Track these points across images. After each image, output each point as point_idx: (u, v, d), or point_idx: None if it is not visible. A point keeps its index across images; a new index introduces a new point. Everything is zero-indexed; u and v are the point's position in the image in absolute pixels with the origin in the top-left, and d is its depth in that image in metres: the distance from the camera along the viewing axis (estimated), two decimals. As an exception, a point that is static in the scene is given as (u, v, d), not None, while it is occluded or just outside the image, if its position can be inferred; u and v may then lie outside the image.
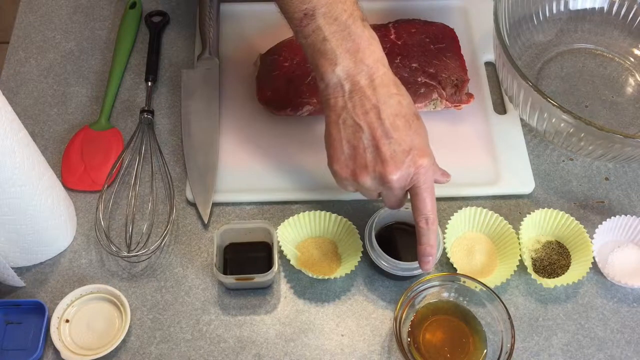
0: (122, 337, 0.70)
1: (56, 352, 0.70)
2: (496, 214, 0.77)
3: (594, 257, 0.76)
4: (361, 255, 0.74)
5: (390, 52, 0.85)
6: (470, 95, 0.84)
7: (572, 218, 0.77)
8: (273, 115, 0.85)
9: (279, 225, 0.75)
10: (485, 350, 0.69)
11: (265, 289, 0.75)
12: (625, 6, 0.91)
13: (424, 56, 0.85)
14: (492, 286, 0.70)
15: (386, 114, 0.67)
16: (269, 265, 0.72)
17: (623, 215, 0.78)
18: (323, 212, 0.76)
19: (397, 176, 0.67)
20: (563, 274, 0.76)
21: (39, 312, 0.71)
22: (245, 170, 0.82)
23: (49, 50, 0.92)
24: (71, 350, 0.69)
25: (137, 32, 0.93)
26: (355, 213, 0.80)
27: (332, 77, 0.68)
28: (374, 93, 0.67)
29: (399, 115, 0.67)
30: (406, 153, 0.67)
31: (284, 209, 0.80)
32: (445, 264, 0.77)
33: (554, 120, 0.76)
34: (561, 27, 0.93)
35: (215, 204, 0.79)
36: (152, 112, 0.85)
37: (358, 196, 0.80)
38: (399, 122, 0.67)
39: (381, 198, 0.72)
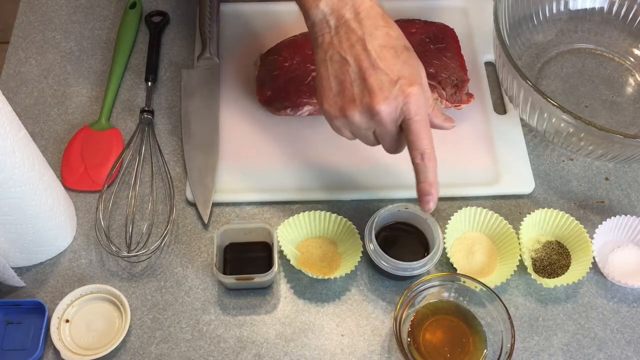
0: (122, 337, 0.70)
1: (56, 352, 0.70)
2: (496, 214, 0.77)
3: (594, 257, 0.76)
4: (361, 255, 0.74)
5: (390, 52, 0.85)
6: (470, 95, 0.84)
7: (572, 218, 0.77)
8: (273, 115, 0.85)
9: (279, 225, 0.75)
10: (485, 350, 0.69)
11: (265, 289, 0.75)
12: (625, 6, 0.91)
13: (424, 56, 0.85)
14: (492, 286, 0.70)
15: (372, 45, 0.65)
16: (269, 265, 0.72)
17: (623, 215, 0.78)
18: (323, 212, 0.76)
19: (384, 106, 0.65)
20: (563, 274, 0.76)
21: (39, 312, 0.71)
22: (245, 170, 0.82)
23: (49, 50, 0.92)
24: (71, 350, 0.69)
25: (137, 32, 0.93)
26: (355, 213, 0.80)
27: (317, 14, 0.67)
28: (359, 26, 0.66)
29: (386, 47, 0.66)
30: (393, 82, 0.65)
31: (284, 209, 0.80)
32: (445, 264, 0.77)
33: (554, 120, 0.76)
34: (561, 27, 0.93)
35: (215, 204, 0.79)
36: (152, 112, 0.85)
37: (358, 196, 0.80)
38: (386, 52, 0.66)
39: (380, 145, 0.71)
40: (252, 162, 0.82)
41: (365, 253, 0.75)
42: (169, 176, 0.80)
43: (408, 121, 0.66)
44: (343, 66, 0.66)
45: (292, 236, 0.76)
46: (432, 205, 0.69)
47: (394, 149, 0.70)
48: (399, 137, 0.69)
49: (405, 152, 0.82)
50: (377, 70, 0.65)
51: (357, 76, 0.65)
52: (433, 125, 0.70)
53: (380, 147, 0.83)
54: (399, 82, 0.65)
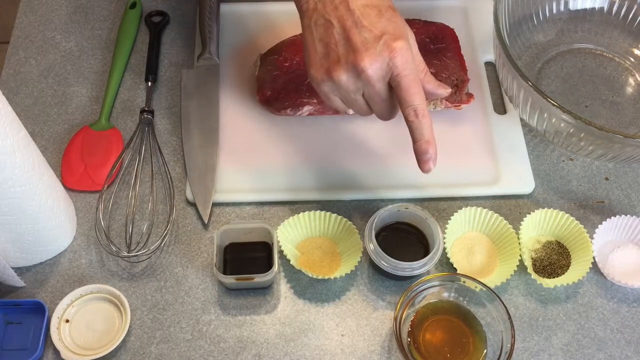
0: (122, 337, 0.70)
1: (56, 352, 0.70)
2: (496, 214, 0.77)
3: (594, 257, 0.76)
4: (361, 255, 0.74)
5: (390, 52, 0.85)
6: (470, 95, 0.84)
7: (572, 218, 0.77)
8: (273, 115, 0.85)
9: (279, 225, 0.75)
10: (485, 350, 0.69)
11: (265, 289, 0.75)
12: (625, 6, 0.91)
13: (424, 56, 0.84)
14: (492, 286, 0.70)
15: (355, 5, 0.65)
16: (269, 265, 0.72)
17: (623, 215, 0.78)
18: (323, 212, 0.76)
19: (369, 62, 0.64)
20: (563, 274, 0.76)
21: (39, 312, 0.71)
22: (245, 170, 0.82)
23: (49, 50, 0.92)
24: (71, 350, 0.69)
25: (137, 32, 0.93)
26: (355, 213, 0.80)
27: None
28: None
29: (369, 6, 0.65)
30: (378, 38, 0.64)
31: (284, 209, 0.80)
32: (445, 264, 0.77)
33: (554, 120, 0.76)
34: (561, 27, 0.93)
35: (215, 204, 0.79)
36: (152, 112, 0.85)
37: (358, 196, 0.80)
38: (369, 11, 0.65)
39: (373, 114, 0.69)
40: (252, 162, 0.82)
41: (365, 253, 0.75)
42: (169, 176, 0.80)
43: (396, 77, 0.65)
44: (328, 29, 0.66)
45: (292, 236, 0.76)
46: (431, 165, 0.67)
47: (386, 112, 0.69)
48: (390, 98, 0.68)
49: (402, 152, 0.82)
50: (361, 28, 0.64)
51: (342, 37, 0.65)
52: (425, 92, 0.68)
53: (379, 148, 0.83)
54: (384, 37, 0.64)
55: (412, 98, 0.65)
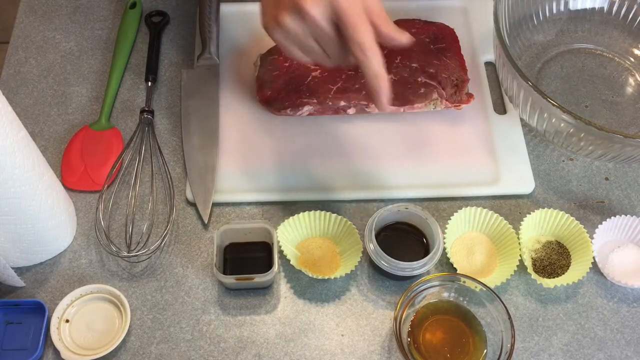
0: (122, 337, 0.70)
1: (56, 352, 0.70)
2: (496, 214, 0.77)
3: (594, 257, 0.76)
4: (361, 255, 0.74)
5: (390, 52, 0.84)
6: (470, 95, 0.84)
7: (572, 218, 0.77)
8: (273, 115, 0.85)
9: (279, 225, 0.75)
10: (485, 350, 0.69)
11: (265, 289, 0.75)
12: (625, 6, 0.91)
13: (424, 56, 0.85)
14: (492, 286, 0.70)
15: None
16: (269, 265, 0.72)
17: (623, 215, 0.78)
18: (323, 212, 0.76)
19: (312, 2, 0.62)
20: (563, 274, 0.76)
21: (39, 312, 0.71)
22: (245, 170, 0.82)
23: (49, 50, 0.92)
24: (71, 350, 0.69)
25: (137, 32, 0.93)
26: (355, 213, 0.80)
27: None
28: None
29: None
30: None
31: (284, 209, 0.80)
32: (445, 264, 0.77)
33: (554, 120, 0.76)
34: (561, 27, 0.93)
35: (215, 204, 0.79)
36: (152, 112, 0.85)
37: (358, 196, 0.80)
38: None
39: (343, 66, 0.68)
40: (252, 162, 0.82)
41: (365, 253, 0.75)
42: (169, 176, 0.80)
43: (340, 15, 0.64)
44: None
45: (292, 236, 0.76)
46: (384, 100, 0.66)
47: (340, 56, 0.68)
48: (340, 40, 0.66)
49: (403, 152, 0.82)
50: None
51: None
52: (382, 35, 0.67)
53: (379, 148, 0.83)
54: None
55: (357, 35, 0.64)
